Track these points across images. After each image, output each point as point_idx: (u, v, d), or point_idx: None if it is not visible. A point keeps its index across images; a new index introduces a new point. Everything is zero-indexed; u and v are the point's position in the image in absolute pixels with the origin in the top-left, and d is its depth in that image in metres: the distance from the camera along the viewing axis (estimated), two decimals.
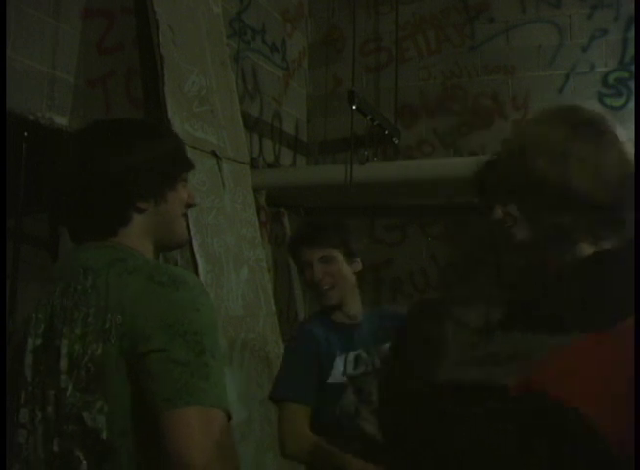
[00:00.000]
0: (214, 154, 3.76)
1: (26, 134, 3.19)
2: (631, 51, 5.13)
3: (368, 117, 5.02)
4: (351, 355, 2.68)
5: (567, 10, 5.32)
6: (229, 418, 1.48)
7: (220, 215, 3.71)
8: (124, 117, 1.95)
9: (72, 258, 1.65)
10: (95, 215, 1.61)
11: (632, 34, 5.14)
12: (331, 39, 5.89)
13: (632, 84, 5.12)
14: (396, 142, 5.53)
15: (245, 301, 3.75)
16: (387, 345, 2.76)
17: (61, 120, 3.31)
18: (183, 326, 1.45)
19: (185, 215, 1.74)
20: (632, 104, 5.10)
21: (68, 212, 1.67)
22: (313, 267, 2.65)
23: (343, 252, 2.69)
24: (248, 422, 3.54)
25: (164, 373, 1.43)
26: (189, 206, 1.74)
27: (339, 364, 2.64)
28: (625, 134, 4.44)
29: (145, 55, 3.70)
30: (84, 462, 1.49)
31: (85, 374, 1.49)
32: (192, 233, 3.44)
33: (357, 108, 4.74)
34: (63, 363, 1.51)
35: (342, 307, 2.72)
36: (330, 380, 2.61)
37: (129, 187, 1.60)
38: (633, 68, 5.12)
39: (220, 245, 3.64)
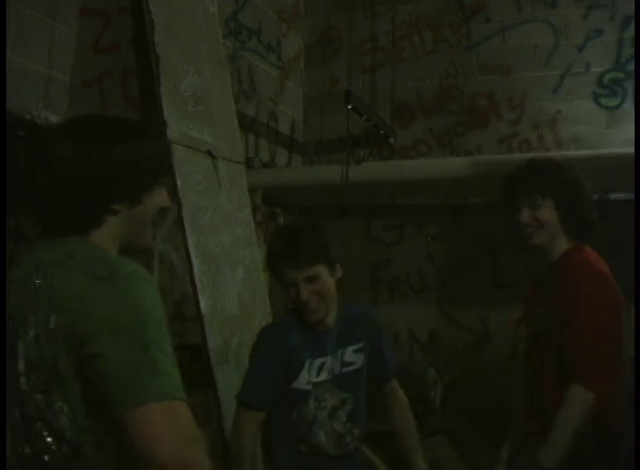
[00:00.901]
0: (210, 154, 3.76)
1: (22, 134, 3.18)
2: (626, 51, 5.14)
3: (364, 117, 5.02)
4: (317, 362, 2.65)
5: (562, 10, 5.33)
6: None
7: (216, 215, 3.71)
8: (106, 115, 1.91)
9: (31, 255, 1.62)
10: (68, 215, 1.59)
11: (627, 35, 5.14)
12: (327, 39, 5.90)
13: (627, 84, 5.13)
14: (392, 142, 5.53)
15: (241, 300, 3.75)
16: (352, 347, 2.73)
17: (57, 120, 3.30)
18: (125, 323, 1.44)
19: (153, 221, 1.71)
20: (627, 104, 5.11)
21: (42, 209, 1.63)
22: (299, 287, 2.54)
23: (327, 266, 2.59)
24: None
25: (114, 375, 1.42)
26: (163, 209, 1.72)
27: (306, 370, 2.62)
28: (620, 134, 4.46)
29: (141, 55, 3.69)
30: (54, 463, 1.50)
31: (43, 376, 1.49)
32: (187, 233, 3.44)
33: (353, 108, 4.74)
34: (21, 365, 1.51)
35: (324, 318, 2.67)
36: (294, 385, 2.60)
37: (106, 189, 1.58)
38: (628, 68, 5.13)
39: (216, 245, 3.64)
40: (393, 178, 4.89)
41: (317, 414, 2.63)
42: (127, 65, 3.73)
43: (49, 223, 1.62)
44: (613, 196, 5.07)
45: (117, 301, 1.46)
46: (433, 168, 4.85)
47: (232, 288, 3.71)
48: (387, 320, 5.47)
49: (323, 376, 2.65)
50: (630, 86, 5.11)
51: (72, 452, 1.48)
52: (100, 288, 1.46)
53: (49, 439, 1.49)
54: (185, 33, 3.81)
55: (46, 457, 1.49)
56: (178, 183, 3.46)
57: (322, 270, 2.56)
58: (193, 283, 3.46)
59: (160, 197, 1.69)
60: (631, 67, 5.12)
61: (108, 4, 3.64)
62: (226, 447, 3.44)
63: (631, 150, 4.84)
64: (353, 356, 2.73)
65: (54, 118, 3.29)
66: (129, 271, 1.50)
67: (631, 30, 5.13)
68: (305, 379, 2.60)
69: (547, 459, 2.55)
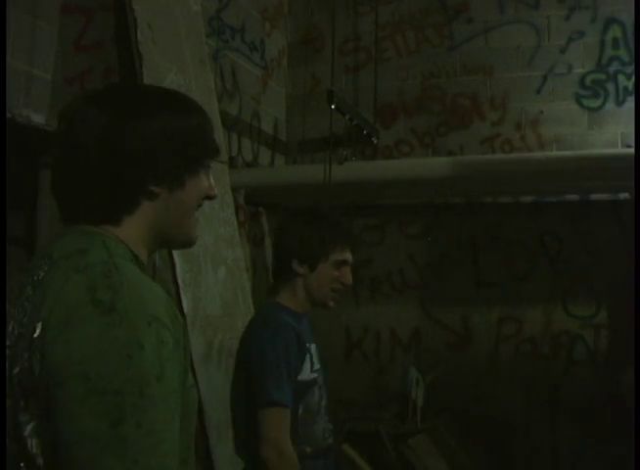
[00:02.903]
0: None
1: None
2: (608, 53, 5.17)
3: (347, 117, 5.02)
4: (314, 347, 2.61)
5: (545, 11, 5.35)
6: None
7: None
8: (150, 85, 1.61)
9: (47, 245, 1.36)
10: (98, 197, 1.33)
11: (609, 36, 5.17)
12: (310, 39, 5.89)
13: (609, 86, 5.16)
14: (375, 142, 5.53)
15: (223, 300, 3.74)
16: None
17: (38, 118, 3.28)
18: (102, 382, 1.13)
19: (200, 207, 1.47)
20: (609, 105, 5.14)
21: (68, 190, 1.37)
22: (349, 270, 2.64)
23: None
24: (226, 422, 3.53)
25: (72, 444, 1.14)
26: (208, 198, 1.46)
27: (308, 360, 2.54)
28: (601, 135, 4.53)
29: (123, 53, 3.67)
30: None
31: (17, 386, 1.22)
32: None
33: (336, 107, 4.74)
34: (6, 370, 1.25)
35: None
36: (300, 377, 2.49)
37: (146, 165, 1.32)
38: (610, 69, 5.16)
39: (198, 244, 3.61)
40: (376, 178, 4.90)
41: (321, 404, 2.57)
42: (109, 63, 3.71)
43: (75, 208, 1.36)
44: (594, 197, 5.11)
45: (105, 348, 1.15)
46: (415, 168, 4.86)
47: (214, 287, 3.70)
48: (368, 320, 5.52)
49: (319, 362, 2.61)
50: (612, 87, 5.15)
51: None
52: (91, 317, 1.17)
53: (24, 463, 1.21)
54: (168, 32, 3.80)
55: None
56: None
57: None
58: (175, 282, 3.46)
59: (206, 182, 1.44)
60: (612, 68, 5.16)
61: (90, 2, 3.63)
62: (206, 446, 3.44)
63: (612, 150, 4.89)
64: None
65: (35, 117, 3.27)
66: (134, 304, 1.19)
67: (612, 32, 5.17)
68: (308, 369, 2.53)
69: None
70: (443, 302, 5.43)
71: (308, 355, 2.54)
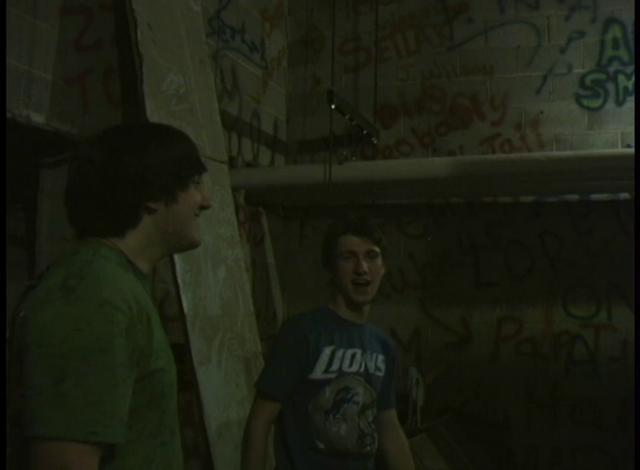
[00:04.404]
0: None
1: None
2: (608, 53, 5.17)
3: (347, 117, 5.02)
4: (349, 352, 2.67)
5: (545, 11, 5.35)
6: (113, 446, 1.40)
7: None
8: (145, 122, 1.87)
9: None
10: (105, 215, 1.59)
11: (609, 36, 5.18)
12: (310, 39, 5.89)
13: (609, 86, 5.16)
14: (375, 142, 5.54)
15: (223, 300, 3.74)
16: (382, 356, 2.78)
17: (38, 118, 3.28)
18: (52, 348, 1.36)
19: (197, 217, 1.72)
20: (609, 105, 5.15)
21: (80, 211, 1.62)
22: (359, 258, 2.64)
23: (382, 254, 2.71)
24: (226, 422, 3.54)
25: (27, 398, 1.36)
26: (203, 208, 1.72)
27: (322, 362, 2.62)
28: (601, 135, 4.51)
29: (123, 53, 3.68)
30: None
31: (15, 358, 1.45)
32: None
33: (336, 107, 4.74)
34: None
35: (363, 306, 2.74)
36: (311, 376, 2.60)
37: (141, 187, 1.58)
38: (610, 69, 5.17)
39: None
40: (376, 178, 4.90)
41: (342, 406, 2.63)
42: (109, 63, 3.71)
43: (86, 227, 1.62)
44: (594, 197, 5.11)
45: (60, 321, 1.39)
46: (415, 168, 4.86)
47: (214, 287, 3.70)
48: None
49: (355, 367, 2.67)
50: (612, 87, 5.15)
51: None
52: (57, 300, 1.41)
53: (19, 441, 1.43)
54: (168, 32, 3.80)
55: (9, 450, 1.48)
56: None
57: (379, 251, 2.69)
58: (175, 282, 3.46)
59: (198, 195, 1.69)
60: (612, 68, 5.16)
61: (90, 1, 3.63)
62: (206, 446, 3.44)
63: (612, 151, 4.89)
64: (382, 364, 2.78)
65: (35, 117, 3.27)
66: (93, 290, 1.43)
67: (612, 32, 5.17)
68: (321, 370, 2.62)
69: None
70: (443, 302, 5.43)
71: (325, 357, 2.62)
